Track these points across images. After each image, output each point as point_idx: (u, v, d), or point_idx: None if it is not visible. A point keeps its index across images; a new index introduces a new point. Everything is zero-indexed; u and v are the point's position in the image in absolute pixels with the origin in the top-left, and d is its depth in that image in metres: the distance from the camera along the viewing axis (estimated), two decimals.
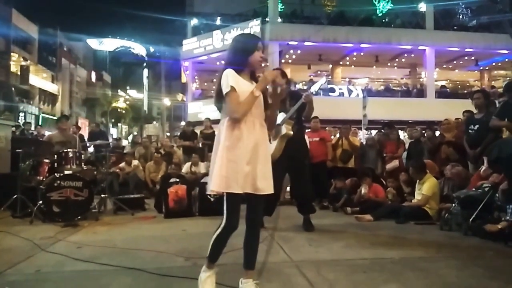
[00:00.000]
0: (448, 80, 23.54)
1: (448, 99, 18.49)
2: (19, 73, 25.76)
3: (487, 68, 21.98)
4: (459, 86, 23.63)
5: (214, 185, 2.21)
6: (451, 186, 5.17)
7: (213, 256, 2.35)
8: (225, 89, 2.23)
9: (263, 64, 2.38)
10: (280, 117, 4.17)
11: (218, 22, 19.90)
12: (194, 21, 21.00)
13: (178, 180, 5.58)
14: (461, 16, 20.13)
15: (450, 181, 5.20)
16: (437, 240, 3.92)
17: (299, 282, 2.61)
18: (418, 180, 5.27)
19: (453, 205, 4.48)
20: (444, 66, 21.15)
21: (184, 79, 24.60)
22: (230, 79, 2.23)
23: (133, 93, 41.98)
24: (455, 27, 19.31)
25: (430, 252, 3.43)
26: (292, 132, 4.09)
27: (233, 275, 2.42)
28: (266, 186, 2.28)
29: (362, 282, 2.64)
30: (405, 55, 19.74)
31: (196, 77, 22.46)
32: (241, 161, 2.21)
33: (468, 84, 23.91)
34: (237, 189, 2.20)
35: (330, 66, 21.35)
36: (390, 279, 2.69)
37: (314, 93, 4.15)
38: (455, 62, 20.85)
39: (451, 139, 6.25)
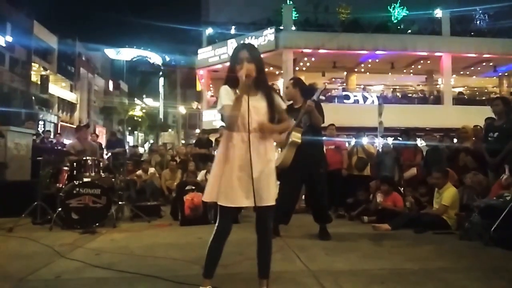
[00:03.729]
0: (466, 87, 23.16)
1: (466, 106, 18.22)
2: (39, 82, 26.47)
3: (506, 74, 21.58)
4: (477, 93, 23.22)
5: (205, 195, 2.36)
6: (470, 195, 5.06)
7: (208, 268, 2.33)
8: (217, 108, 2.33)
9: (243, 76, 2.24)
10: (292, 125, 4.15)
11: (232, 31, 20.09)
12: (209, 30, 21.26)
13: (194, 187, 5.61)
14: (478, 22, 19.83)
15: (470, 190, 5.10)
16: (457, 250, 3.83)
17: None
18: (437, 189, 5.17)
19: (473, 214, 4.38)
20: (461, 72, 20.84)
21: (199, 87, 24.87)
22: (222, 98, 2.30)
23: (149, 101, 42.57)
24: (472, 33, 19.04)
25: (450, 263, 3.36)
26: (300, 140, 4.03)
27: (249, 283, 2.42)
28: (260, 200, 2.25)
29: None
30: (421, 61, 19.55)
31: (211, 85, 22.67)
32: (229, 174, 2.26)
33: (486, 90, 23.48)
34: (223, 202, 2.26)
35: (345, 73, 21.29)
36: None
37: (315, 100, 4.11)
38: (472, 68, 20.53)
39: (469, 147, 6.14)
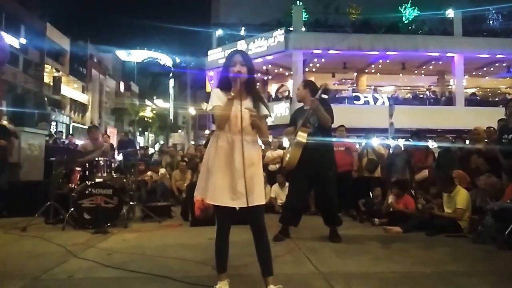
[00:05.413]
0: (478, 88, 22.86)
1: (479, 107, 17.98)
2: (51, 83, 26.83)
3: None
4: (490, 94, 22.89)
5: (196, 192, 2.50)
6: (483, 198, 4.98)
7: (218, 265, 2.47)
8: (208, 109, 2.44)
9: (234, 75, 2.39)
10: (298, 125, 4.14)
11: (242, 32, 20.13)
12: (219, 32, 21.35)
13: None
14: (491, 22, 19.55)
15: (483, 193, 5.01)
16: (471, 253, 3.78)
17: None
18: (446, 194, 5.10)
19: (487, 217, 4.31)
20: (474, 73, 20.59)
21: (209, 88, 24.94)
22: (213, 99, 2.43)
23: (159, 102, 42.84)
24: (485, 33, 18.78)
25: (463, 266, 3.31)
26: (305, 140, 3.99)
27: (259, 285, 2.42)
28: (242, 201, 2.31)
29: None
30: (433, 62, 19.36)
31: None
32: (213, 174, 2.36)
33: (499, 91, 23.13)
34: (210, 200, 2.37)
35: (355, 74, 21.19)
36: None
37: (318, 98, 4.07)
38: (485, 69, 20.27)
39: (482, 149, 6.05)
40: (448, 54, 18.27)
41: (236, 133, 2.39)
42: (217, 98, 2.42)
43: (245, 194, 2.30)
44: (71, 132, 24.90)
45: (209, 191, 2.37)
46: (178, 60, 41.38)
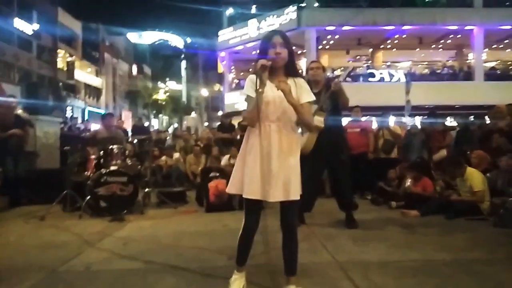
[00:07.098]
0: (499, 61, 22.05)
1: (499, 81, 17.40)
2: (65, 68, 27.05)
3: None
4: (511, 68, 22.08)
5: (229, 187, 2.37)
6: (505, 179, 4.82)
7: (239, 258, 2.39)
8: (244, 97, 2.31)
9: (271, 58, 2.21)
10: (314, 109, 4.03)
11: (253, 10, 19.74)
12: (229, 11, 20.99)
13: (218, 174, 5.61)
14: None
15: (505, 174, 4.85)
16: (493, 239, 3.67)
17: (345, 287, 2.52)
18: (458, 178, 4.94)
19: (509, 200, 4.18)
20: (494, 46, 19.82)
21: (220, 69, 24.76)
22: (247, 88, 2.25)
23: (172, 84, 42.90)
24: (507, 3, 17.95)
25: (486, 253, 3.21)
26: (322, 125, 3.90)
27: (275, 275, 2.38)
28: (278, 194, 2.19)
29: (412, 286, 2.52)
30: (451, 36, 18.69)
31: (232, 67, 22.52)
32: (251, 167, 2.23)
33: None
34: (246, 194, 2.24)
35: (370, 50, 20.67)
36: (443, 284, 2.55)
37: (342, 80, 4.00)
38: (507, 41, 19.47)
39: (503, 127, 5.84)
40: (467, 27, 17.59)
41: (274, 120, 2.23)
42: (250, 88, 2.21)
43: (280, 188, 2.18)
44: (86, 116, 25.20)
45: (245, 184, 2.24)
46: (189, 41, 41.17)
